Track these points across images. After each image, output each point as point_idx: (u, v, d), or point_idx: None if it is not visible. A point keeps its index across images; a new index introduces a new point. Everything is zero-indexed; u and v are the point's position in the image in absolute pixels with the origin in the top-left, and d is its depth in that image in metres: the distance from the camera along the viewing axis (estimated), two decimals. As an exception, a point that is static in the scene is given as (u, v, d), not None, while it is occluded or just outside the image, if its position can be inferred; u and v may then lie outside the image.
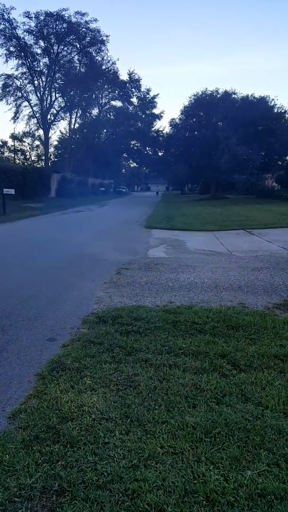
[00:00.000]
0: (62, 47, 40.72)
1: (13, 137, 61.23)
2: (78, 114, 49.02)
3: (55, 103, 43.63)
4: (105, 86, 49.90)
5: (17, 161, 60.01)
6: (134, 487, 1.86)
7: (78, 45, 41.53)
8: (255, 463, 2.05)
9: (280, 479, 1.94)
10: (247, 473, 1.97)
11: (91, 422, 2.35)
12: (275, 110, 36.27)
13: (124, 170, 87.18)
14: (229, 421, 2.36)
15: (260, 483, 1.90)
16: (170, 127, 43.63)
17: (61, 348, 3.50)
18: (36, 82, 41.24)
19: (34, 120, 45.12)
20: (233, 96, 38.20)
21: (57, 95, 43.25)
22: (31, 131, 54.02)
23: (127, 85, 50.89)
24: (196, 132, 39.19)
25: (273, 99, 37.32)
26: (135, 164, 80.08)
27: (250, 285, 5.77)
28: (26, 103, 43.11)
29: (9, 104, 42.76)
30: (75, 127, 50.08)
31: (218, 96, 38.83)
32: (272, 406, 2.54)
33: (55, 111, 44.42)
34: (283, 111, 36.59)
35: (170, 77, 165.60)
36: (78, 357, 3.21)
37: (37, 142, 61.74)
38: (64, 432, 2.25)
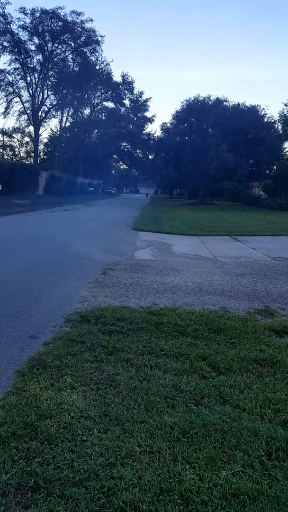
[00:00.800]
0: (57, 45, 40.54)
1: (3, 132, 60.28)
2: (70, 113, 48.86)
3: (47, 101, 43.37)
4: (98, 86, 49.88)
5: (6, 157, 59.10)
6: (110, 484, 1.87)
7: (72, 44, 41.44)
8: (230, 463, 2.09)
9: (254, 480, 1.98)
10: (222, 473, 2.01)
11: (69, 420, 2.35)
12: (265, 120, 37.01)
13: (113, 171, 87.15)
14: (206, 422, 2.40)
15: (234, 483, 1.94)
16: (161, 131, 44.06)
17: (42, 346, 3.48)
18: (28, 78, 40.91)
19: (25, 116, 44.73)
20: (225, 103, 38.83)
21: (49, 92, 43.02)
22: (21, 127, 53.38)
23: (120, 86, 51.03)
24: (186, 137, 39.58)
25: (263, 109, 38.13)
26: (125, 166, 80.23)
27: (233, 290, 5.86)
28: (17, 99, 42.73)
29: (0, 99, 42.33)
30: (66, 125, 49.87)
31: (210, 102, 39.36)
32: (249, 409, 2.59)
33: (46, 109, 44.16)
34: (272, 120, 37.37)
35: (163, 81, 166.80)
36: (59, 355, 3.20)
37: (26, 139, 60.99)
38: (42, 429, 2.24)
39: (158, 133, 48.71)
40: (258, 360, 3.34)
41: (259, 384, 2.93)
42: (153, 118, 55.48)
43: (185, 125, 40.01)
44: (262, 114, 37.09)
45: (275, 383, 2.97)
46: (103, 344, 3.47)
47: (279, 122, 37.32)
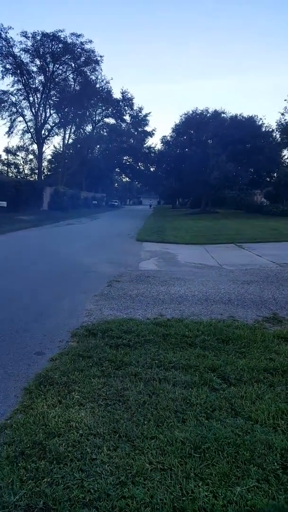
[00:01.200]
0: (58, 66, 41.48)
1: (7, 150, 61.46)
2: (72, 130, 49.64)
3: (49, 119, 44.16)
4: (99, 104, 50.77)
5: (10, 174, 60.08)
6: (122, 504, 1.82)
7: (73, 64, 42.36)
8: (245, 479, 2.02)
9: (270, 495, 1.91)
10: (237, 489, 1.94)
11: (78, 438, 2.30)
12: (263, 129, 37.28)
13: (116, 184, 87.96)
14: (218, 436, 2.34)
15: (250, 499, 1.87)
16: (162, 144, 44.61)
17: (49, 362, 3.44)
18: (31, 98, 41.77)
19: (28, 135, 45.52)
20: (223, 115, 39.31)
21: (51, 111, 43.85)
22: (25, 146, 54.32)
23: (120, 103, 51.94)
24: (186, 149, 39.97)
25: (261, 119, 38.58)
26: (127, 179, 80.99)
27: (240, 299, 5.80)
28: (20, 118, 43.57)
29: (3, 119, 43.22)
30: (69, 142, 50.60)
31: (208, 115, 39.86)
32: (262, 421, 2.53)
33: (49, 127, 44.92)
34: (270, 130, 37.64)
35: (162, 95, 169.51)
36: (66, 371, 3.16)
37: (30, 156, 62.06)
38: (51, 448, 2.19)
39: (159, 146, 49.48)
40: (269, 369, 3.27)
41: (270, 394, 2.87)
42: (153, 132, 56.19)
43: (185, 137, 40.47)
44: (259, 124, 37.44)
45: (287, 393, 2.90)
46: (110, 358, 3.43)
47: (277, 130, 37.58)
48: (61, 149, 51.38)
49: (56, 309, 5.16)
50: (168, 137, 42.84)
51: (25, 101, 42.06)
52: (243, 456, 2.18)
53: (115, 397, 2.79)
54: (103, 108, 52.65)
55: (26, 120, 43.17)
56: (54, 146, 64.02)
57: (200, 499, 1.86)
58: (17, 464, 2.08)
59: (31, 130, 43.77)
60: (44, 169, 56.15)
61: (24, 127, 45.17)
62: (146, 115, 54.64)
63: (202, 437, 2.33)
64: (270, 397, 2.82)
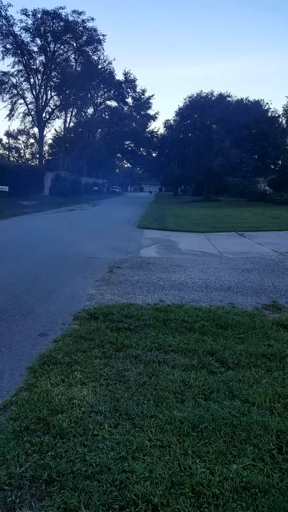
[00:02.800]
0: (59, 45, 40.50)
1: (8, 134, 60.79)
2: (73, 113, 48.83)
3: (50, 102, 43.41)
4: (101, 85, 49.75)
5: (12, 159, 59.59)
6: (122, 477, 1.90)
7: (74, 44, 41.35)
8: (241, 457, 2.11)
9: (265, 473, 1.99)
10: (233, 467, 2.03)
11: (80, 415, 2.39)
12: (269, 114, 36.60)
13: (118, 170, 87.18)
14: (216, 417, 2.42)
15: (245, 477, 1.96)
16: (165, 129, 43.90)
17: (52, 343, 3.52)
18: (32, 80, 40.96)
19: (29, 118, 44.87)
20: (228, 99, 38.46)
21: (52, 93, 43.04)
22: (26, 129, 53.79)
23: (123, 85, 50.88)
24: (190, 134, 39.39)
25: (267, 103, 37.71)
26: (129, 165, 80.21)
27: (240, 286, 5.86)
28: (21, 101, 42.83)
29: (4, 101, 42.39)
30: (70, 126, 49.89)
31: (213, 98, 39.03)
32: (259, 403, 2.60)
33: (50, 110, 44.18)
34: (276, 115, 36.94)
35: (166, 78, 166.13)
36: (69, 352, 3.24)
37: (31, 140, 61.52)
38: (54, 423, 2.28)
39: (162, 130, 48.67)
40: (267, 355, 3.35)
41: (268, 379, 2.94)
42: (156, 115, 55.14)
43: (188, 121, 39.77)
44: (266, 108, 36.69)
45: (284, 378, 2.97)
46: (111, 340, 3.51)
47: (283, 116, 36.85)
48: (62, 133, 50.75)
49: (58, 293, 5.23)
50: (171, 121, 42.16)
51: (25, 83, 41.34)
52: (239, 436, 2.26)
53: (116, 377, 2.87)
54: (105, 90, 51.61)
55: (27, 102, 42.51)
56: (55, 130, 63.45)
57: (197, 475, 1.95)
58: (22, 438, 2.17)
59: (32, 113, 43.13)
60: (45, 153, 55.56)
61: (25, 110, 44.56)
62: (149, 98, 53.59)
63: (200, 417, 2.41)
64: (267, 381, 2.89)
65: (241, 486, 1.90)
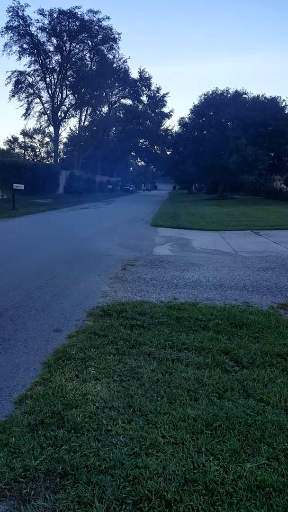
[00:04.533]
0: (74, 44, 40.75)
1: (24, 133, 61.66)
2: (88, 112, 49.10)
3: (66, 100, 43.73)
4: (116, 84, 49.89)
5: (27, 157, 60.42)
6: (136, 473, 1.91)
7: (90, 43, 41.54)
8: (255, 456, 2.08)
9: (279, 473, 1.97)
10: (247, 465, 2.01)
11: (94, 410, 2.41)
12: (286, 111, 35.94)
13: (131, 168, 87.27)
14: (230, 415, 2.40)
15: (259, 476, 1.93)
16: (179, 126, 43.68)
17: (66, 339, 3.56)
18: (48, 79, 41.33)
19: (45, 117, 45.27)
20: (244, 96, 38.00)
21: (68, 92, 43.36)
22: (41, 128, 54.33)
23: (138, 83, 50.90)
24: (205, 132, 39.05)
25: (284, 100, 36.95)
26: (143, 163, 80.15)
27: (255, 285, 5.79)
28: (37, 100, 43.23)
29: (20, 101, 42.77)
30: (84, 124, 50.21)
31: (229, 96, 38.65)
32: (274, 403, 2.57)
33: (65, 108, 44.54)
34: (294, 111, 36.20)
35: (181, 75, 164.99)
36: (83, 347, 3.27)
37: (47, 139, 62.26)
38: (69, 418, 2.31)
39: (176, 128, 48.49)
40: (282, 354, 3.30)
41: (283, 378, 2.90)
42: (171, 113, 55.10)
43: (203, 119, 39.46)
44: (282, 105, 36.03)
45: (300, 378, 2.92)
46: (125, 337, 3.52)
47: (301, 112, 36.09)
48: (77, 132, 51.12)
49: (72, 290, 5.28)
50: (186, 119, 41.94)
51: (41, 82, 41.71)
52: (253, 435, 2.24)
53: (129, 373, 2.88)
54: (120, 88, 51.73)
55: (43, 101, 42.91)
56: (70, 129, 63.96)
57: (211, 472, 1.94)
58: (37, 431, 2.20)
59: (48, 112, 43.54)
60: (60, 152, 56.21)
61: (40, 109, 45.01)
62: (163, 96, 53.52)
63: (214, 415, 2.40)
64: (283, 381, 2.85)
65: (255, 485, 1.89)
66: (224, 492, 1.84)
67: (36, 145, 65.07)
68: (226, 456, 2.07)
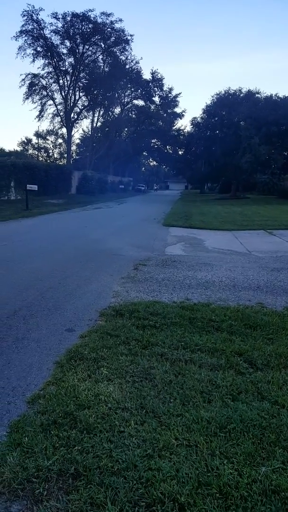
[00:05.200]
0: (87, 47, 41.07)
1: (37, 135, 62.46)
2: (101, 113, 49.34)
3: (78, 102, 44.11)
4: (128, 85, 49.97)
5: (40, 158, 61.17)
6: (148, 475, 1.89)
7: (102, 45, 41.78)
8: (270, 460, 2.04)
9: (295, 478, 1.92)
10: (262, 469, 1.96)
11: (107, 411, 2.40)
12: (300, 110, 35.41)
13: (143, 168, 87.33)
14: (244, 418, 2.35)
15: (275, 480, 1.89)
16: (192, 126, 43.53)
17: (79, 339, 3.57)
18: (61, 81, 41.73)
19: (58, 119, 45.72)
20: (257, 95, 37.73)
21: (81, 94, 43.71)
22: (54, 129, 54.97)
23: (150, 84, 50.86)
24: (217, 131, 38.83)
25: (298, 98, 36.46)
26: (154, 163, 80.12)
27: (269, 285, 5.69)
28: (50, 102, 43.68)
29: (34, 103, 43.31)
30: (97, 125, 50.45)
31: (241, 95, 38.37)
32: (289, 406, 2.51)
33: (78, 110, 44.89)
34: (308, 110, 35.63)
35: (193, 75, 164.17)
36: (95, 347, 3.27)
37: (60, 140, 62.82)
38: (81, 418, 2.30)
39: (188, 128, 48.33)
40: (298, 356, 3.22)
41: (299, 381, 2.83)
42: (183, 113, 54.74)
43: (216, 118, 39.24)
44: (296, 104, 35.57)
45: None
46: (137, 338, 3.50)
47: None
48: (89, 133, 51.41)
49: (85, 290, 5.29)
50: (199, 119, 41.82)
51: (55, 84, 42.15)
52: (268, 438, 2.19)
53: (142, 374, 2.86)
54: (132, 89, 51.79)
55: (56, 103, 43.36)
56: (82, 130, 64.37)
57: (225, 476, 1.90)
58: (50, 432, 2.20)
59: (61, 113, 43.97)
60: (72, 153, 56.62)
61: (54, 111, 45.45)
62: (176, 96, 53.29)
63: (228, 417, 2.36)
64: (298, 384, 2.79)
65: (270, 490, 1.84)
66: (238, 496, 1.80)
67: (49, 146, 65.82)
68: (241, 459, 2.03)
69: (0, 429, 2.27)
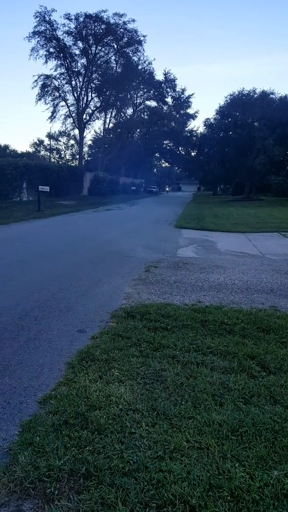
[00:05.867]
0: (100, 48, 41.29)
1: (49, 136, 63.25)
2: (113, 114, 49.57)
3: (91, 103, 44.39)
4: (141, 86, 50.07)
5: (53, 160, 61.88)
6: (159, 477, 1.89)
7: (115, 46, 41.94)
8: (282, 464, 2.02)
9: (308, 483, 1.89)
10: (274, 473, 1.95)
11: (118, 412, 2.41)
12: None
13: (155, 169, 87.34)
14: (256, 421, 2.33)
15: (287, 484, 1.87)
16: (205, 127, 43.37)
17: (90, 340, 3.59)
18: (73, 82, 42.07)
19: (70, 120, 46.09)
20: (271, 96, 37.34)
21: (93, 95, 43.99)
22: (66, 131, 55.46)
23: (163, 85, 50.87)
24: (231, 132, 38.55)
25: (313, 99, 35.94)
26: (167, 164, 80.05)
27: (283, 289, 5.62)
28: (63, 103, 44.08)
29: (47, 104, 43.76)
30: (109, 126, 50.71)
31: (255, 96, 38.04)
32: (302, 410, 2.48)
33: (90, 111, 45.18)
34: None
35: (206, 76, 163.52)
36: (106, 349, 3.29)
37: (72, 142, 63.44)
38: (92, 419, 2.32)
39: (201, 129, 48.22)
40: (311, 360, 3.17)
41: (312, 386, 2.79)
42: (196, 114, 54.62)
43: (229, 119, 38.97)
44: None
45: None
46: (148, 340, 3.50)
47: None
48: (102, 134, 51.72)
49: (96, 291, 5.32)
50: (212, 120, 41.63)
51: (67, 85, 42.48)
52: (281, 442, 2.17)
53: (153, 376, 2.87)
54: (145, 90, 51.85)
55: (68, 104, 43.69)
56: (94, 131, 64.79)
57: (236, 479, 1.89)
58: (61, 432, 2.22)
59: (73, 114, 44.31)
60: (84, 154, 57.01)
61: (66, 112, 45.79)
62: (189, 97, 53.19)
63: (240, 421, 2.34)
64: (312, 388, 2.74)
65: (283, 493, 1.82)
66: (250, 499, 1.79)
67: (61, 148, 66.61)
68: (252, 462, 2.02)
69: (12, 429, 2.31)
